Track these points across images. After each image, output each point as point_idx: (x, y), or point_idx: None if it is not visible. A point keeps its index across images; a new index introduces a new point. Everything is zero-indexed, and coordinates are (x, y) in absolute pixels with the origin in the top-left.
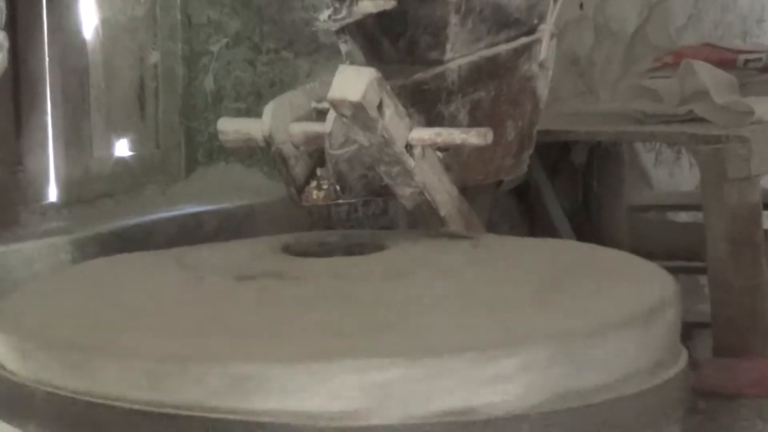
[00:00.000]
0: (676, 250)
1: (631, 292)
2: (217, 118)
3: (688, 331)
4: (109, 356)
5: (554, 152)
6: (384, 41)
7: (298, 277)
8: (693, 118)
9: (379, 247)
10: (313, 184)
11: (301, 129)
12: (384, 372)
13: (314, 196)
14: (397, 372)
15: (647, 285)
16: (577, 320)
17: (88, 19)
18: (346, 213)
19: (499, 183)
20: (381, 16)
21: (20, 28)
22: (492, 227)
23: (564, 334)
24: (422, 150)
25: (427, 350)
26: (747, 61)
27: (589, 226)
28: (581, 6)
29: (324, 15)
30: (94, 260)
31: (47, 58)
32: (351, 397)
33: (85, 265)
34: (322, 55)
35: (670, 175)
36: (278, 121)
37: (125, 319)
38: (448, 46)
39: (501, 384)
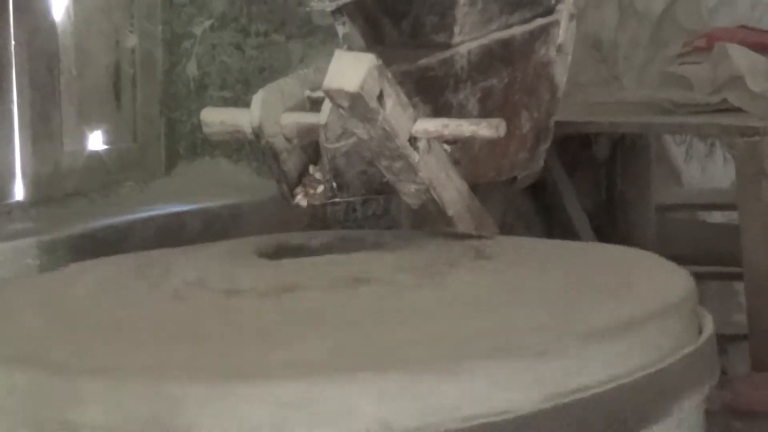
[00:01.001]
0: (708, 254)
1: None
2: (201, 107)
3: (723, 345)
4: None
5: (574, 146)
6: (385, 23)
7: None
8: (727, 108)
9: (376, 248)
10: (307, 181)
11: (294, 120)
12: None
13: (308, 195)
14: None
15: (660, 290)
16: (577, 324)
17: None
18: (343, 213)
19: (513, 180)
20: None
21: None
22: (505, 228)
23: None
24: (428, 143)
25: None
26: None
27: (612, 228)
28: None
29: None
30: (66, 267)
31: (13, 42)
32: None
33: (55, 274)
34: (317, 38)
35: (702, 171)
36: (268, 112)
37: (108, 349)
38: (457, 29)
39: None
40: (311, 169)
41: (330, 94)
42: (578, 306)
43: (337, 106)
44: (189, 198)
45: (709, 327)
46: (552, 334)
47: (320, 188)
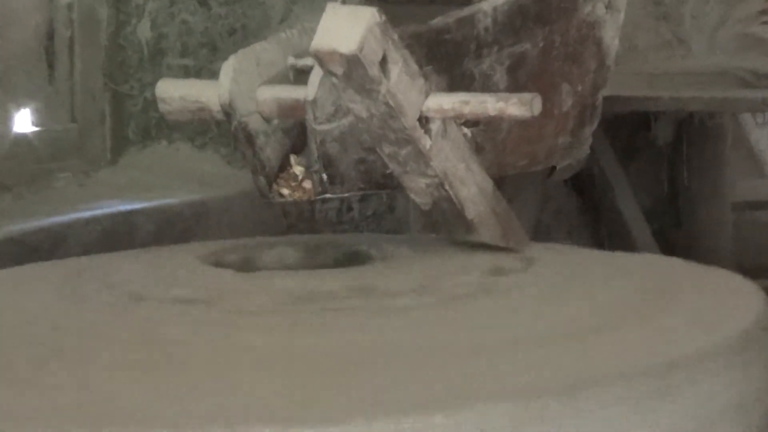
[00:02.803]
0: None
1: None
2: (156, 79)
3: None
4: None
5: (628, 128)
6: None
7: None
8: None
9: (362, 260)
10: (290, 171)
11: (274, 95)
12: None
13: (291, 189)
14: None
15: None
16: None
17: None
18: (336, 212)
19: (552, 171)
20: None
21: None
22: (540, 233)
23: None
24: (442, 125)
25: None
26: None
27: (676, 232)
28: None
29: None
30: None
31: None
32: None
33: None
34: None
35: None
36: (241, 84)
37: (35, 369)
38: None
39: None
40: (293, 159)
41: (320, 58)
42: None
43: (328, 74)
44: (141, 193)
45: None
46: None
47: (307, 181)
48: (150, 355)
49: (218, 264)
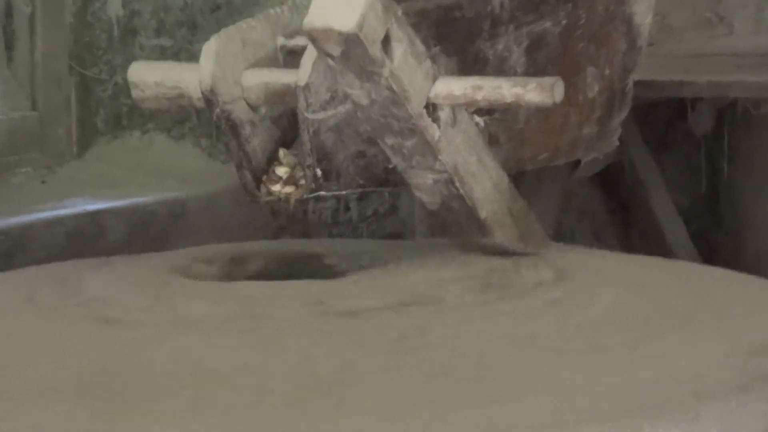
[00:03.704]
0: None
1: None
2: (128, 62)
3: None
4: None
5: (663, 117)
6: None
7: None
8: None
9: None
10: (280, 166)
11: (261, 80)
12: None
13: (281, 186)
14: None
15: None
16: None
17: None
18: (331, 212)
19: (576, 166)
20: None
21: None
22: (562, 234)
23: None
24: (452, 113)
25: None
26: None
27: (717, 234)
28: None
29: None
30: None
31: None
32: None
33: None
34: None
35: None
36: (225, 68)
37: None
38: None
39: None
40: (282, 152)
41: (314, 37)
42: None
43: (323, 56)
44: (111, 191)
45: None
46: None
47: (298, 177)
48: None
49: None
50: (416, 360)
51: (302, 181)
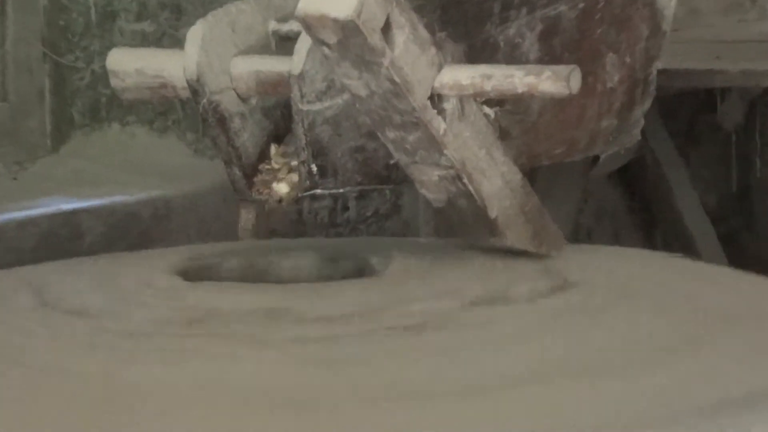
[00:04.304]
0: None
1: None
2: (107, 48)
3: None
4: None
5: (689, 108)
6: None
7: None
8: None
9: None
10: (272, 162)
11: (252, 68)
12: None
13: (274, 184)
14: None
15: None
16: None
17: None
18: (328, 212)
19: (595, 161)
20: None
21: None
22: (581, 238)
23: None
24: (459, 104)
25: None
26: None
27: (749, 236)
28: None
29: None
30: None
31: None
32: None
33: None
34: None
35: None
36: (212, 55)
37: None
38: None
39: None
40: (273, 148)
41: (308, 24)
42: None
43: (319, 44)
44: (88, 189)
45: None
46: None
47: (292, 174)
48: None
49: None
50: None
51: (296, 179)
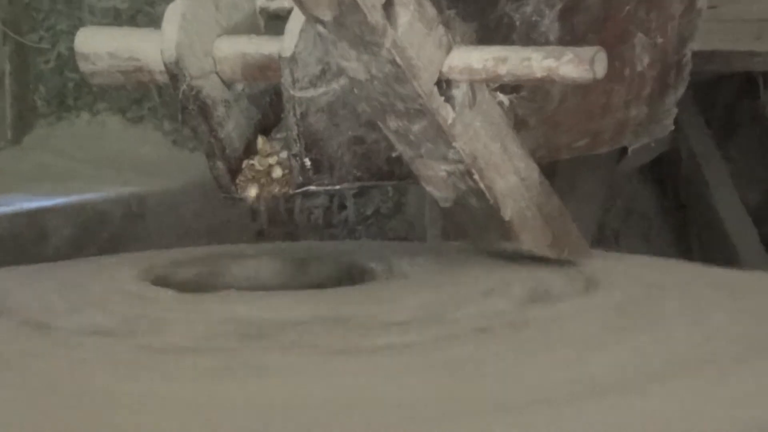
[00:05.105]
0: None
1: None
2: (75, 28)
3: None
4: None
5: (728, 95)
6: None
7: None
8: None
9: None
10: (260, 156)
11: (238, 50)
12: None
13: (262, 180)
14: None
15: None
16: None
17: None
18: (323, 212)
19: (622, 155)
20: None
21: None
22: (607, 240)
23: None
24: (470, 90)
25: None
26: None
27: None
28: None
29: None
30: None
31: None
32: None
33: None
34: None
35: None
36: (193, 35)
37: None
38: None
39: None
40: (260, 141)
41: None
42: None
43: (312, 21)
44: (54, 185)
45: None
46: None
47: (283, 168)
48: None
49: (161, 282)
50: None
51: (287, 174)
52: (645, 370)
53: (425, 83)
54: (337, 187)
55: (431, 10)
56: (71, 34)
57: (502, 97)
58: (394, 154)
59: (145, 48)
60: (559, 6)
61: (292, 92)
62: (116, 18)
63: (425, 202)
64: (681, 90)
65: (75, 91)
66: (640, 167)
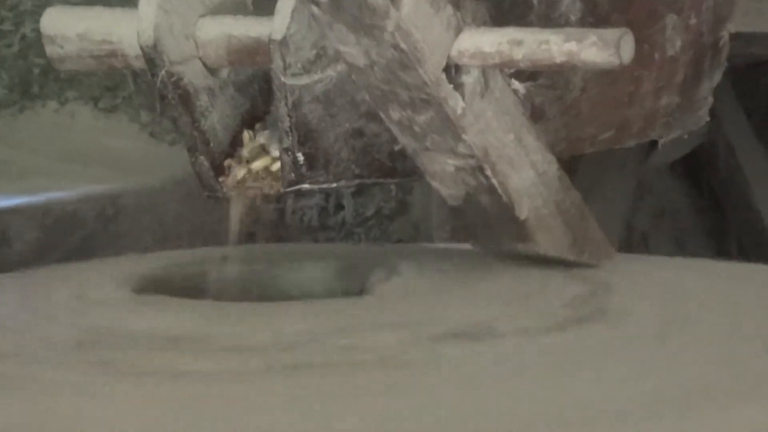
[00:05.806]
0: None
1: None
2: (41, 8)
3: None
4: None
5: None
6: None
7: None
8: None
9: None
10: (247, 150)
11: (223, 32)
12: None
13: (249, 176)
14: None
15: None
16: None
17: None
18: (318, 212)
19: (652, 149)
20: None
21: None
22: (635, 243)
23: None
24: (482, 77)
25: None
26: None
27: None
28: None
29: None
30: None
31: None
32: None
33: None
34: None
35: None
36: (173, 15)
37: None
38: None
39: None
40: (246, 136)
41: None
42: None
43: (306, 1)
44: (17, 183)
45: None
46: None
47: (273, 163)
48: None
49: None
50: None
51: (278, 170)
52: None
53: (432, 69)
54: (334, 185)
55: None
56: (37, 14)
57: (517, 84)
58: (397, 148)
59: (120, 30)
60: None
61: (283, 79)
62: None
63: (432, 200)
64: (717, 76)
65: (41, 78)
66: (671, 163)
